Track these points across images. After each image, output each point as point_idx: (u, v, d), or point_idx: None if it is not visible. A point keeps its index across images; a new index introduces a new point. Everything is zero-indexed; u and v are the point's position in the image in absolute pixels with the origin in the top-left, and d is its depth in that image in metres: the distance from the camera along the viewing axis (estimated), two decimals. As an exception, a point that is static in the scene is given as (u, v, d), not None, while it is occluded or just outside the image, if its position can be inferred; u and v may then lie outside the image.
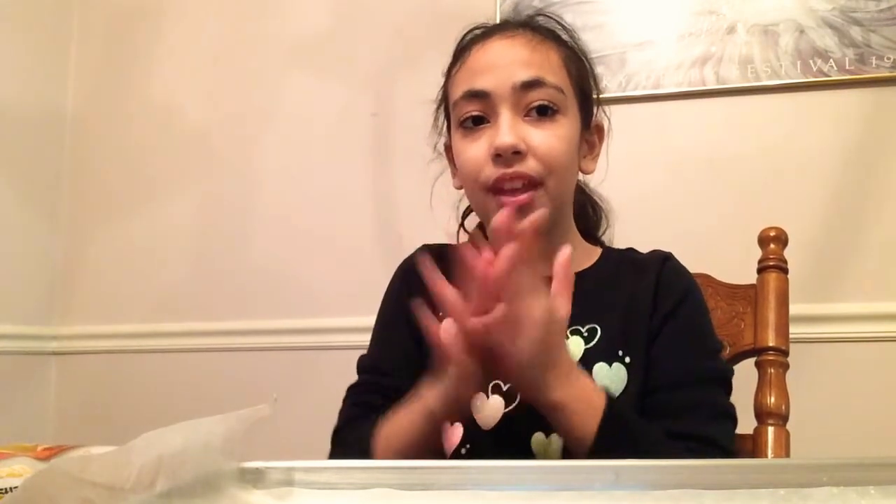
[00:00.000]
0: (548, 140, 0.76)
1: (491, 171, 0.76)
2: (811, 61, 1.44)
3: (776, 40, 1.46)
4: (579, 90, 0.82)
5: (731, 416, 0.76)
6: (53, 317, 1.88)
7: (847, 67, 1.42)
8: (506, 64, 0.77)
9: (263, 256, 1.75)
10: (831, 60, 1.43)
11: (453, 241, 0.96)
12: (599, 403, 0.65)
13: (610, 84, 1.51)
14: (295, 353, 1.69)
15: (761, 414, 0.90)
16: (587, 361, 0.76)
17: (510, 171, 0.75)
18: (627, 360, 0.76)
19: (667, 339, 0.77)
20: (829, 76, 1.43)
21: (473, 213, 0.93)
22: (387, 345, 0.87)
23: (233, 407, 0.48)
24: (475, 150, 0.77)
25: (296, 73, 1.78)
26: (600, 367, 0.76)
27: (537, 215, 0.63)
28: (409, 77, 1.67)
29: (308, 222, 1.73)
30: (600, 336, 0.77)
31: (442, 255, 0.88)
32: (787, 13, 1.45)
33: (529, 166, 0.75)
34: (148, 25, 1.90)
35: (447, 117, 0.87)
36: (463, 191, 0.86)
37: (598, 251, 0.87)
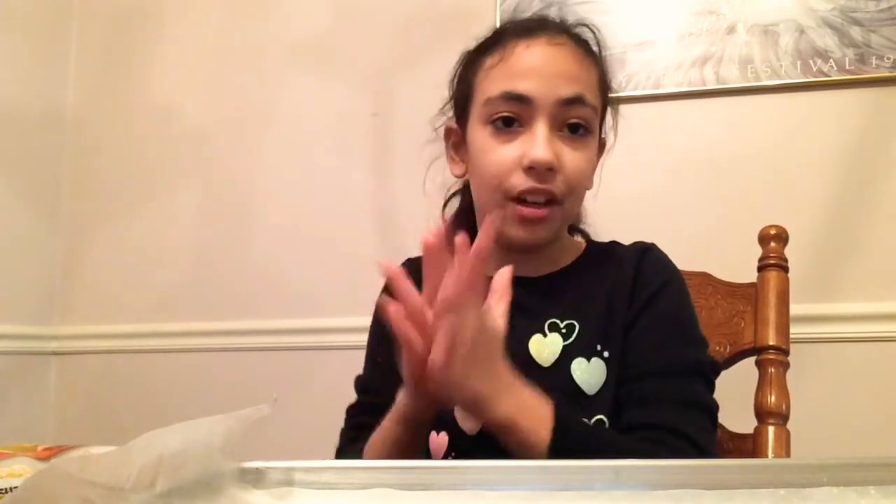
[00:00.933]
0: (577, 162, 0.76)
1: (519, 181, 0.75)
2: (811, 61, 1.44)
3: (776, 40, 1.46)
4: (603, 110, 0.83)
5: (704, 408, 0.73)
6: (53, 317, 1.88)
7: (847, 67, 1.42)
8: (552, 73, 0.76)
9: (263, 256, 1.75)
10: (831, 60, 1.43)
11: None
12: (547, 415, 0.64)
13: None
14: (295, 353, 1.69)
15: (761, 413, 0.90)
16: (565, 358, 0.75)
17: (541, 186, 0.75)
18: (606, 354, 0.75)
19: (642, 329, 0.76)
20: (829, 76, 1.43)
21: (454, 202, 0.93)
22: (376, 364, 0.87)
23: (233, 407, 0.48)
24: (505, 153, 0.76)
25: (296, 73, 1.78)
26: (578, 363, 0.75)
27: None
28: (409, 77, 1.67)
29: (308, 222, 1.73)
30: (578, 332, 0.77)
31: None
32: (787, 13, 1.45)
33: (557, 185, 0.75)
34: (148, 25, 1.90)
35: (463, 103, 0.84)
36: (456, 179, 0.86)
37: (581, 246, 0.87)
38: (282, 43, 1.80)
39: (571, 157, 0.76)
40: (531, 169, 0.74)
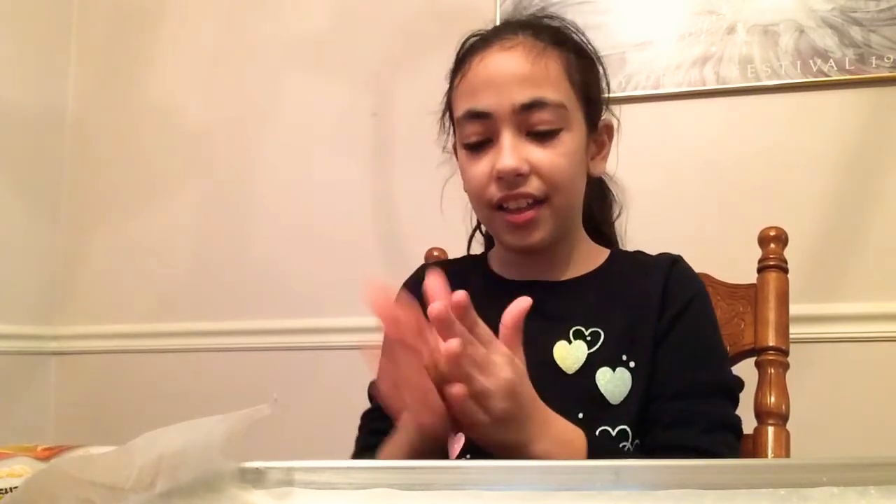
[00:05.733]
0: (551, 159, 0.76)
1: (495, 191, 0.76)
2: (811, 61, 1.44)
3: (776, 40, 1.46)
4: (583, 97, 0.80)
5: (733, 428, 0.75)
6: (53, 317, 1.88)
7: (847, 67, 1.42)
8: (505, 82, 0.76)
9: (263, 256, 1.75)
10: (831, 60, 1.43)
11: (463, 241, 0.97)
12: (581, 446, 0.64)
13: (610, 84, 1.50)
14: (295, 353, 1.69)
15: (761, 414, 0.90)
16: (590, 366, 0.75)
17: (513, 192, 0.75)
18: (632, 364, 0.75)
19: (672, 345, 0.76)
20: (829, 76, 1.43)
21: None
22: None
23: (233, 407, 0.48)
24: (478, 169, 0.78)
25: (296, 73, 1.78)
26: (603, 373, 0.75)
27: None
28: (410, 77, 1.67)
29: (308, 222, 1.73)
30: (604, 340, 0.77)
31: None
32: (787, 13, 1.45)
33: (533, 186, 0.75)
34: (148, 25, 1.90)
35: (452, 122, 0.86)
36: None
37: (605, 253, 0.87)
38: (282, 43, 1.80)
39: (544, 157, 0.75)
40: (500, 179, 0.75)
